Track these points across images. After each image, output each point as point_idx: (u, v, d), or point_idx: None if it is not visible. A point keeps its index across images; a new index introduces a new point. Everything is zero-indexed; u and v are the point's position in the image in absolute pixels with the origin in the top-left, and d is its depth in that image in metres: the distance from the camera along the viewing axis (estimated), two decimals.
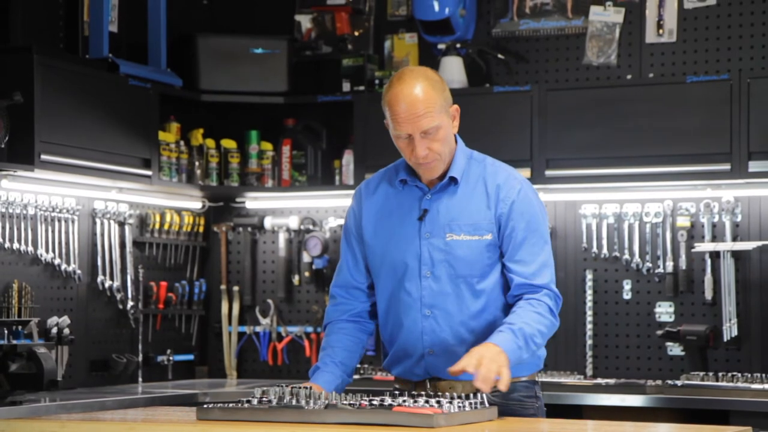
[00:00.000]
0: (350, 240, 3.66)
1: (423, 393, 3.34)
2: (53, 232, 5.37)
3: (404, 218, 3.56)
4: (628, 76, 5.67)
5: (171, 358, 5.97)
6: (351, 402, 3.21)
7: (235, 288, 6.25)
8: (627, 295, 5.66)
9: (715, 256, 5.49)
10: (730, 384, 4.99)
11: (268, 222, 6.20)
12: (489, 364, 3.26)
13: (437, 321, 3.50)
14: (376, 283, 3.62)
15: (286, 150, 6.06)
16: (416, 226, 3.53)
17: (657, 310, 5.61)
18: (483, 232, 3.49)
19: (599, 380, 5.36)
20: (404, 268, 3.53)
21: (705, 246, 5.48)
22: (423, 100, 3.41)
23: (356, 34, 6.12)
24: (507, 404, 3.47)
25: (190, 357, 6.16)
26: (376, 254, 3.59)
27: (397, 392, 3.42)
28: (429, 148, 3.44)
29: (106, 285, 5.63)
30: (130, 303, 5.74)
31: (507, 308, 3.52)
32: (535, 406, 3.55)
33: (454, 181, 3.54)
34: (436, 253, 3.50)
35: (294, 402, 3.24)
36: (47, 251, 5.34)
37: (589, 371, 5.64)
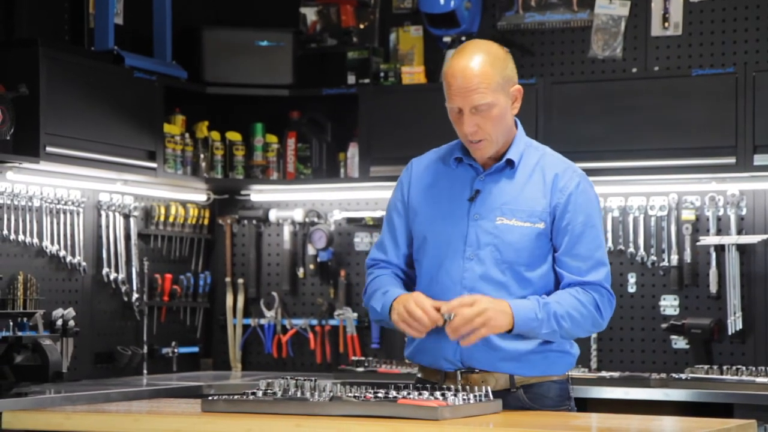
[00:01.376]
0: (393, 217, 3.53)
1: (452, 387, 3.31)
2: (58, 224, 5.38)
3: (454, 198, 3.43)
4: (634, 70, 5.66)
5: (176, 350, 5.98)
6: (356, 394, 3.21)
7: (240, 280, 6.25)
8: (632, 289, 5.66)
9: (720, 249, 5.49)
10: (735, 377, 4.99)
11: (273, 215, 6.20)
12: (472, 313, 3.20)
13: None
14: (418, 266, 3.50)
15: (291, 143, 6.06)
16: (466, 207, 3.41)
17: (662, 303, 5.61)
18: (536, 220, 3.37)
19: (604, 373, 5.36)
20: (447, 248, 3.40)
21: (710, 239, 5.48)
22: (478, 74, 3.31)
23: (361, 26, 6.12)
24: (542, 410, 3.40)
25: (195, 349, 6.17)
26: (421, 231, 3.46)
27: (419, 385, 3.32)
28: (478, 125, 3.34)
29: (111, 277, 5.64)
30: (135, 295, 5.75)
31: None
32: (568, 408, 3.47)
33: (510, 164, 3.42)
34: (483, 235, 3.37)
35: (299, 394, 3.24)
36: (52, 243, 5.35)
37: (593, 364, 5.64)
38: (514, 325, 3.28)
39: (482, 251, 3.37)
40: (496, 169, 3.43)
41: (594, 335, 5.65)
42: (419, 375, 3.55)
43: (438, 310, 3.28)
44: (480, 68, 3.32)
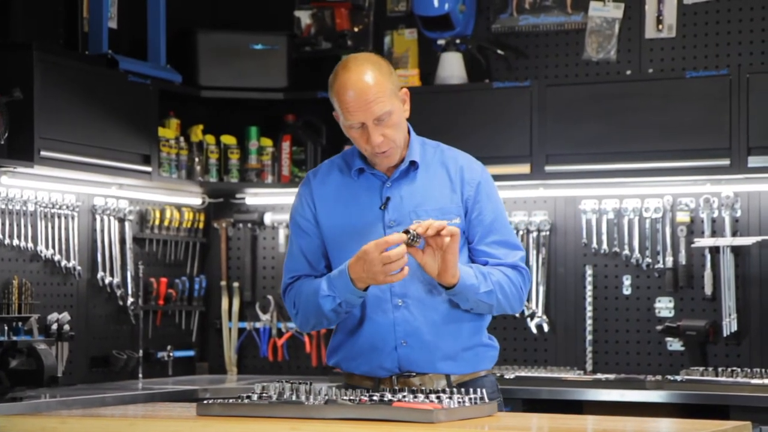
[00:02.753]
0: (303, 233, 3.53)
1: (388, 389, 3.32)
2: (53, 228, 5.37)
3: (363, 209, 3.46)
4: (628, 72, 5.67)
5: (171, 354, 5.98)
6: (351, 397, 3.21)
7: (235, 284, 6.25)
8: (627, 291, 5.67)
9: (715, 251, 5.50)
10: (730, 379, 5.00)
11: (268, 218, 6.20)
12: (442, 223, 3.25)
13: (410, 310, 3.41)
14: None
15: (285, 146, 6.07)
16: (379, 216, 3.44)
17: (657, 305, 5.61)
18: (451, 216, 3.42)
19: (599, 375, 5.36)
20: None
21: (704, 241, 5.48)
22: (372, 85, 3.34)
23: (356, 29, 6.12)
24: None
25: (191, 353, 6.17)
26: (337, 247, 3.47)
27: (358, 390, 3.33)
28: (383, 135, 3.36)
29: (106, 281, 5.64)
30: (131, 299, 5.75)
31: None
32: (500, 401, 3.52)
33: (413, 165, 3.46)
34: None
35: (294, 398, 3.25)
36: (47, 247, 5.34)
37: (589, 366, 5.65)
38: (460, 276, 3.31)
39: (408, 256, 3.36)
40: (401, 173, 3.47)
41: (589, 337, 5.66)
42: (347, 382, 3.55)
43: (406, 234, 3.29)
44: (373, 79, 3.35)
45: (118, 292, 5.69)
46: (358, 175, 3.49)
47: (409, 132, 3.51)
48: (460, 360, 3.45)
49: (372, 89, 3.33)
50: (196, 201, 6.18)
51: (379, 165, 3.45)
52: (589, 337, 5.68)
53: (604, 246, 5.67)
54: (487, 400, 3.25)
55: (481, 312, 3.43)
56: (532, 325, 5.72)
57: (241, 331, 6.25)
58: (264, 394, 3.30)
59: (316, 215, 3.52)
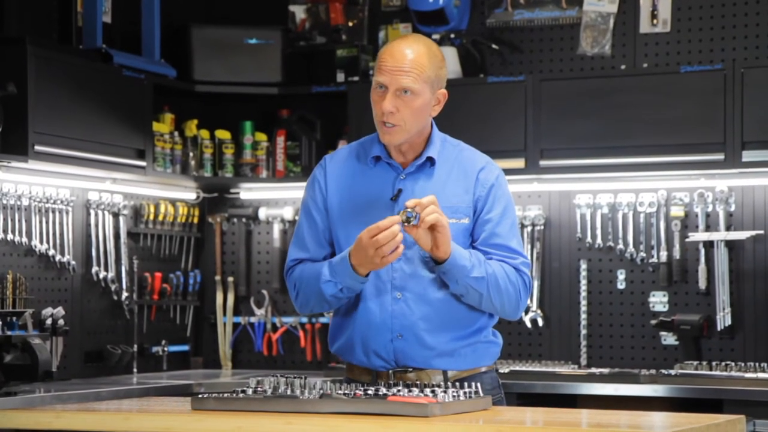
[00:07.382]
0: (313, 215, 3.52)
1: (383, 384, 3.32)
2: (47, 223, 5.37)
3: (375, 198, 3.45)
4: (622, 66, 5.67)
5: (166, 348, 5.98)
6: (346, 392, 3.21)
7: (230, 279, 6.25)
8: (621, 285, 5.67)
9: (709, 245, 5.50)
10: (724, 373, 5.01)
11: (263, 213, 6.20)
12: (434, 209, 3.25)
13: (408, 304, 3.40)
14: None
15: (280, 141, 6.06)
16: (389, 207, 3.42)
17: (651, 299, 5.62)
18: (461, 216, 3.42)
19: (593, 370, 5.37)
20: None
21: (699, 236, 5.49)
22: (413, 60, 3.36)
23: (350, 24, 6.12)
24: None
25: (185, 348, 6.17)
26: (343, 233, 3.46)
27: (356, 384, 3.34)
28: (397, 108, 3.36)
29: (101, 276, 5.63)
30: (125, 294, 5.74)
31: None
32: (501, 397, 3.53)
33: (430, 161, 3.46)
34: (409, 235, 3.39)
35: (289, 392, 3.25)
36: (42, 242, 5.34)
37: (583, 361, 5.65)
38: (452, 252, 3.31)
39: (410, 251, 3.38)
40: (416, 167, 3.46)
41: (584, 332, 5.67)
42: (347, 375, 3.55)
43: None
44: (417, 56, 3.37)
45: (113, 287, 5.69)
46: (374, 164, 3.49)
47: (432, 128, 3.50)
48: (458, 356, 3.44)
49: (411, 62, 3.35)
50: (191, 196, 6.18)
51: (382, 138, 3.44)
52: (583, 332, 5.69)
53: (599, 240, 5.67)
54: (481, 394, 3.26)
55: (472, 302, 3.40)
56: (527, 319, 5.73)
57: (235, 325, 6.25)
58: (259, 389, 3.30)
59: (326, 200, 3.51)
